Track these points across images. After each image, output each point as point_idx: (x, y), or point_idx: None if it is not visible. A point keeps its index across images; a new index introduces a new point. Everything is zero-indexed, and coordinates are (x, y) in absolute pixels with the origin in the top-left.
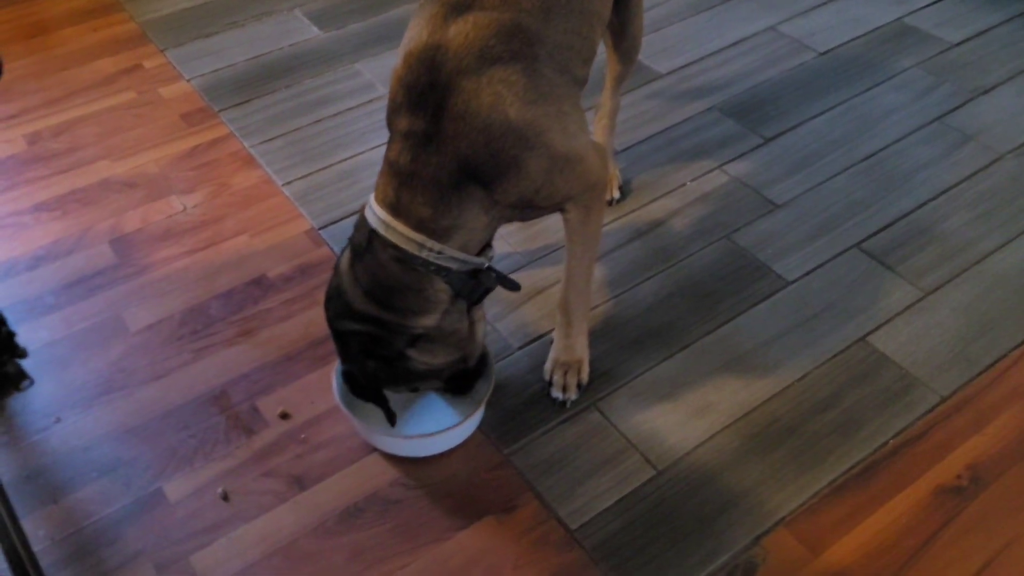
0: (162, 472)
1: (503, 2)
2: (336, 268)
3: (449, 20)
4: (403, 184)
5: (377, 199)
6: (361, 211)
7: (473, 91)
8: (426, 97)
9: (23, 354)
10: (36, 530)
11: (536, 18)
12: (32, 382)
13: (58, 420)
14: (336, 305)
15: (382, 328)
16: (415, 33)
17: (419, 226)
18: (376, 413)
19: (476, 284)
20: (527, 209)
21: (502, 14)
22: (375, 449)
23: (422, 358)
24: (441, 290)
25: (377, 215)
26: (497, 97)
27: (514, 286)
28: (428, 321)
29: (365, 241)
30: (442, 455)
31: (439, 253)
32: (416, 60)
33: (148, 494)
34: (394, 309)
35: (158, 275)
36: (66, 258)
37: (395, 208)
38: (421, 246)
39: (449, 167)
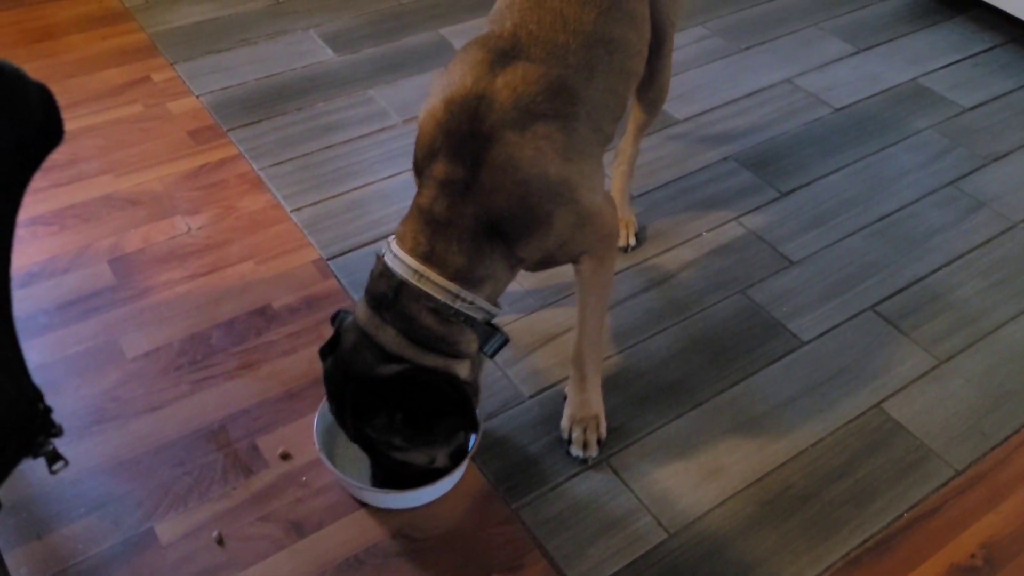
0: (154, 511)
1: (550, 55)
2: (344, 328)
3: (495, 68)
4: (437, 233)
5: (405, 248)
6: (379, 262)
7: (516, 144)
8: (466, 145)
9: (59, 432)
10: (18, 567)
11: (580, 76)
12: (66, 464)
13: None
14: (365, 356)
15: (433, 374)
16: (458, 78)
17: (454, 276)
18: (357, 467)
19: (497, 336)
20: (546, 263)
21: (550, 69)
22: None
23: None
24: (472, 341)
25: (408, 264)
26: (538, 152)
27: (506, 339)
28: (463, 372)
29: (391, 292)
30: (448, 506)
31: (471, 303)
32: (459, 107)
33: (138, 534)
34: (435, 351)
35: (158, 299)
36: (62, 276)
37: (428, 257)
38: (456, 296)
39: (484, 218)
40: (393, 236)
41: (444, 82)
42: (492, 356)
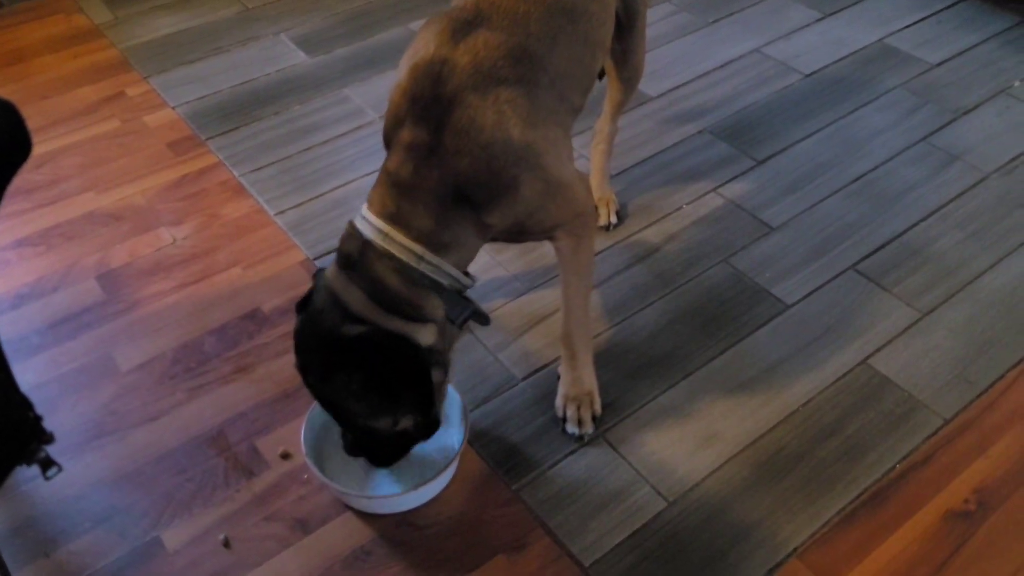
0: (159, 519)
1: (512, 24)
2: (317, 286)
3: (458, 36)
4: (403, 195)
5: (373, 210)
6: (349, 224)
7: (478, 107)
8: (430, 110)
9: (50, 439)
10: None
11: (543, 44)
12: (60, 469)
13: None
14: (331, 315)
15: (393, 339)
16: (422, 46)
17: (419, 237)
18: (347, 472)
19: (465, 305)
20: (518, 234)
21: (511, 36)
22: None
23: (436, 378)
24: (437, 306)
25: (374, 224)
26: (501, 116)
27: (486, 320)
28: (428, 338)
29: (357, 252)
30: (449, 492)
31: (436, 267)
32: (422, 72)
33: (145, 543)
34: (398, 314)
35: (148, 311)
36: (51, 296)
37: (394, 218)
38: (420, 258)
39: (449, 182)
40: (365, 203)
41: (409, 53)
42: (460, 326)
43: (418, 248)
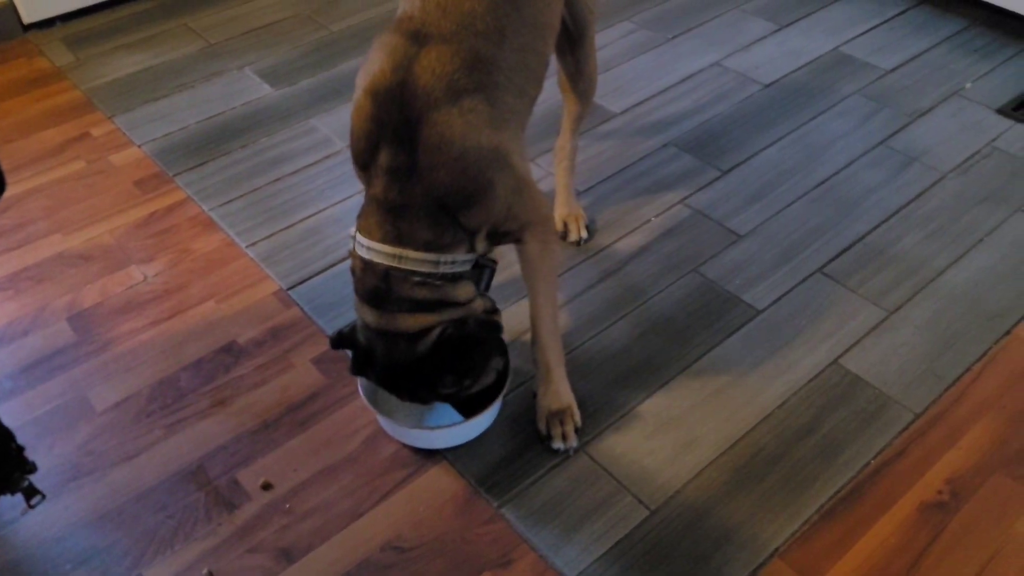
0: (141, 558)
1: (460, 28)
2: (365, 341)
3: (411, 51)
4: (399, 217)
5: (374, 238)
6: (358, 263)
7: (444, 123)
8: (400, 132)
9: (33, 469)
10: None
11: (492, 42)
12: (44, 497)
13: (25, 511)
14: (400, 348)
15: (456, 308)
16: (377, 68)
17: (428, 247)
18: (401, 408)
19: (483, 274)
20: (495, 237)
21: (461, 44)
22: (363, 513)
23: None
24: (468, 288)
25: (384, 252)
26: (468, 126)
27: (493, 263)
28: (479, 308)
29: (383, 284)
30: (432, 512)
31: (453, 262)
32: (383, 98)
33: None
34: (449, 307)
35: (122, 350)
36: (22, 339)
37: (399, 239)
38: (437, 263)
39: (432, 195)
40: (355, 231)
41: (365, 72)
42: (487, 289)
43: (431, 256)
